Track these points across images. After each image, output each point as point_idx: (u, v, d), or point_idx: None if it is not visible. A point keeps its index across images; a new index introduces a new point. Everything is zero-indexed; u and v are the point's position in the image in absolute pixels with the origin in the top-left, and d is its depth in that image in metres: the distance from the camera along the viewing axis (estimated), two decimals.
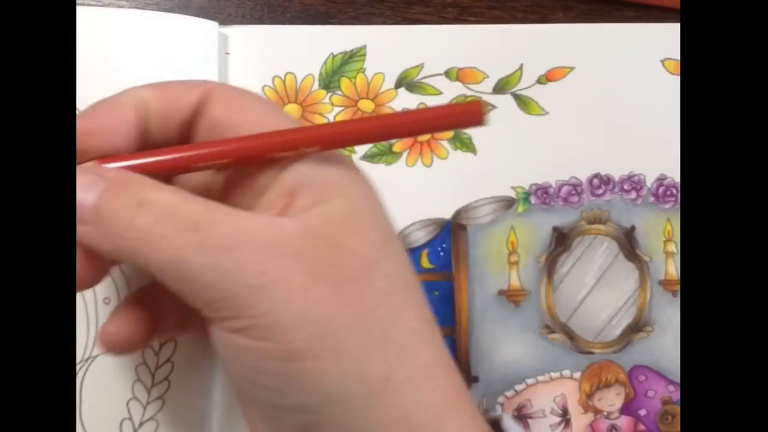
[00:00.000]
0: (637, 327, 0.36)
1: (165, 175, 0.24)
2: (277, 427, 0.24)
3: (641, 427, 0.35)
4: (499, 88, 0.37)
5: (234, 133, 0.24)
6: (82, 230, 0.23)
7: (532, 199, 0.36)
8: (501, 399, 0.35)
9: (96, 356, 0.32)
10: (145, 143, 0.25)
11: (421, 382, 0.23)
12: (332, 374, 0.22)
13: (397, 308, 0.23)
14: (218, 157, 0.24)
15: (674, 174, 0.37)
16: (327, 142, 0.24)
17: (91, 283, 0.25)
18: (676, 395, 0.35)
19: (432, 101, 0.37)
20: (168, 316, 0.27)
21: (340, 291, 0.22)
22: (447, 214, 0.36)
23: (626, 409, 0.35)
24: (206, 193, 0.25)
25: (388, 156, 0.36)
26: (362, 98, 0.37)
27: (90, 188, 0.23)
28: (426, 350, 0.23)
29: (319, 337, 0.22)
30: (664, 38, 0.38)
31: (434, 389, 0.23)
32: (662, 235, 0.36)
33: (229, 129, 0.24)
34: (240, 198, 0.25)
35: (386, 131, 0.25)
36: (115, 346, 0.26)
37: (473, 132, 0.36)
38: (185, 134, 0.25)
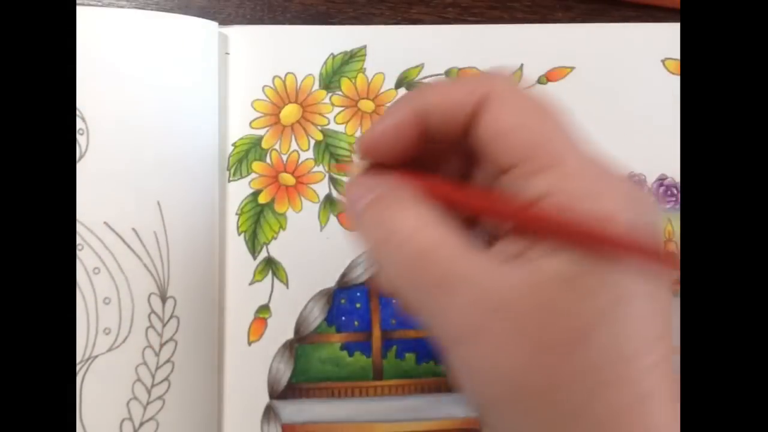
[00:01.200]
0: None
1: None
2: None
3: None
4: None
5: (508, 142, 0.23)
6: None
7: None
8: None
9: (96, 356, 0.32)
10: (428, 140, 0.25)
11: None
12: None
13: (602, 384, 0.21)
14: (499, 216, 0.24)
15: (675, 174, 0.37)
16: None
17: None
18: None
19: None
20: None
21: (539, 357, 0.21)
22: None
23: None
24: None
25: None
26: (362, 98, 0.37)
27: (359, 197, 0.25)
28: (630, 429, 0.21)
29: (506, 402, 0.22)
30: (665, 38, 0.38)
31: None
32: (663, 235, 0.36)
33: (506, 137, 0.23)
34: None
35: None
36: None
37: None
38: (466, 132, 0.24)
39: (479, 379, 0.22)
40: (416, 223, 0.23)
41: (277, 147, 0.36)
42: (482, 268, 0.22)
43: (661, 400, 0.21)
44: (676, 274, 0.21)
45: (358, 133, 0.36)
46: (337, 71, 0.37)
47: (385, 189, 0.24)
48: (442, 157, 0.26)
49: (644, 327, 0.21)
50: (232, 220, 0.35)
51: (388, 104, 0.37)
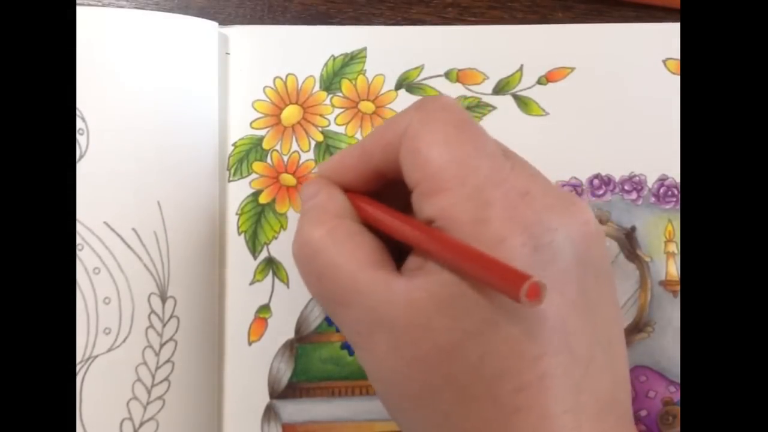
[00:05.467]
0: (638, 327, 0.36)
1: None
2: None
3: (642, 427, 0.35)
4: (499, 89, 0.37)
5: (409, 165, 0.25)
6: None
7: None
8: None
9: (96, 356, 0.32)
10: (377, 172, 0.27)
11: None
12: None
13: (469, 398, 0.23)
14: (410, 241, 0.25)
15: (675, 174, 0.37)
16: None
17: None
18: (677, 396, 0.35)
19: None
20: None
21: (410, 370, 0.23)
22: None
23: None
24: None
25: None
26: (363, 100, 0.37)
27: (302, 196, 0.28)
28: None
29: (393, 400, 0.25)
30: (666, 38, 0.38)
31: None
32: (663, 235, 0.36)
33: (409, 161, 0.25)
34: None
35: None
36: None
37: None
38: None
39: (373, 381, 0.25)
40: (322, 239, 0.25)
41: (278, 148, 0.36)
42: (375, 286, 0.24)
43: (538, 417, 0.22)
44: (537, 305, 0.21)
45: (358, 135, 0.36)
46: (338, 73, 0.37)
47: (318, 199, 0.27)
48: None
49: (517, 347, 0.22)
50: (232, 220, 0.35)
51: (389, 105, 0.37)
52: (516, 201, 0.23)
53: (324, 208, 0.26)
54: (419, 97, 0.37)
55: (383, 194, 0.27)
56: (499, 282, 0.21)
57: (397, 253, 0.26)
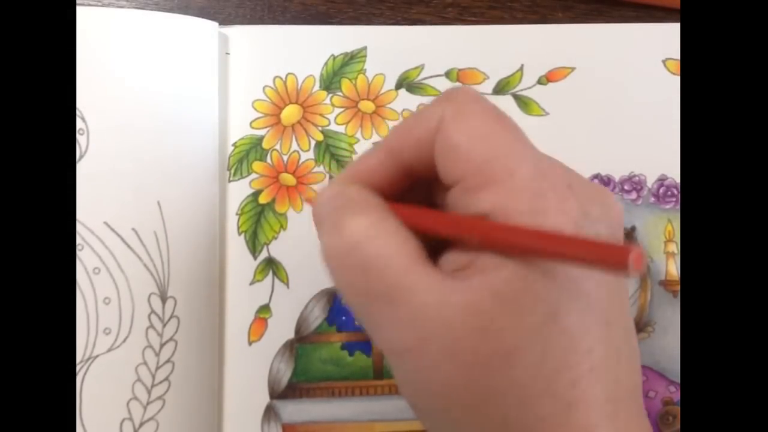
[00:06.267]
0: (638, 327, 0.36)
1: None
2: None
3: None
4: (500, 88, 0.37)
5: (452, 158, 0.23)
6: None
7: None
8: None
9: (96, 356, 0.32)
10: (413, 176, 0.25)
11: None
12: None
13: (529, 398, 0.22)
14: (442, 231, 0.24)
15: (675, 174, 0.37)
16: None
17: None
18: (677, 396, 0.35)
19: None
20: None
21: (471, 374, 0.22)
22: None
23: None
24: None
25: None
26: (363, 99, 0.37)
27: (323, 198, 0.25)
28: None
29: (440, 412, 0.23)
30: (665, 38, 0.38)
31: None
32: (663, 235, 0.36)
33: (451, 154, 0.23)
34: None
35: None
36: None
37: None
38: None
39: (415, 391, 0.23)
40: (369, 230, 0.23)
41: (277, 147, 0.36)
42: (426, 283, 0.22)
43: (587, 408, 0.22)
44: (640, 272, 0.20)
45: (358, 134, 0.36)
46: (338, 72, 0.37)
47: (350, 196, 0.24)
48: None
49: (573, 341, 0.22)
50: (232, 220, 0.35)
51: (389, 105, 0.37)
52: (564, 192, 0.23)
53: (362, 200, 0.24)
54: (419, 97, 0.37)
55: (404, 198, 0.26)
56: (605, 257, 0.20)
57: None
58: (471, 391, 0.22)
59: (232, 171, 0.36)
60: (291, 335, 0.34)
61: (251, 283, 0.35)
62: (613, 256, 0.20)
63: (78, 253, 0.32)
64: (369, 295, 0.23)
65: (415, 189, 0.26)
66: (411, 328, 0.22)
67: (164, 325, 0.33)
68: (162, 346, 0.32)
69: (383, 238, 0.23)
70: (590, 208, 0.23)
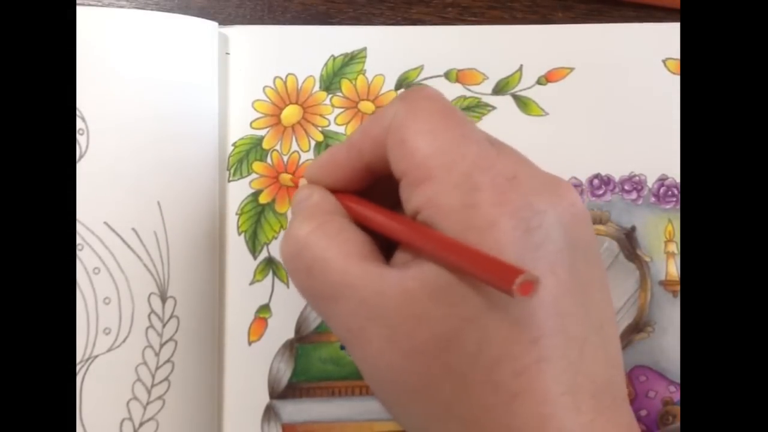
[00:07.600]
0: (638, 327, 0.36)
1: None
2: None
3: (642, 427, 0.35)
4: (499, 89, 0.37)
5: (396, 155, 0.24)
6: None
7: None
8: None
9: (96, 356, 0.32)
10: (374, 173, 0.27)
11: None
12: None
13: (469, 386, 0.22)
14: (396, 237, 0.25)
15: (675, 174, 0.37)
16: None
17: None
18: (677, 396, 0.35)
19: None
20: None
21: (410, 360, 0.23)
22: None
23: None
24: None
25: None
26: (362, 100, 0.37)
27: (299, 198, 0.27)
28: (493, 427, 0.22)
29: (390, 395, 0.24)
30: (666, 38, 0.38)
31: None
32: (663, 235, 0.36)
33: (396, 152, 0.24)
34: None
35: None
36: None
37: None
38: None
39: (369, 378, 0.24)
40: (310, 235, 0.25)
41: (278, 148, 0.36)
42: (364, 279, 0.23)
43: (535, 399, 0.22)
44: (524, 297, 0.20)
45: None
46: (338, 73, 0.37)
47: (311, 200, 0.26)
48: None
49: (515, 331, 0.22)
50: (232, 220, 0.35)
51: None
52: (504, 185, 0.23)
53: (315, 206, 0.26)
54: None
55: (373, 193, 0.27)
56: (491, 277, 0.21)
57: (386, 250, 0.26)
58: (412, 376, 0.23)
59: (232, 171, 0.36)
60: (291, 335, 0.34)
61: (251, 283, 0.35)
62: (501, 276, 0.20)
63: (78, 253, 0.32)
64: (315, 295, 0.25)
65: (382, 183, 0.27)
66: (354, 321, 0.24)
67: (164, 325, 0.33)
68: (162, 346, 0.32)
69: (324, 242, 0.24)
70: (536, 199, 0.23)
